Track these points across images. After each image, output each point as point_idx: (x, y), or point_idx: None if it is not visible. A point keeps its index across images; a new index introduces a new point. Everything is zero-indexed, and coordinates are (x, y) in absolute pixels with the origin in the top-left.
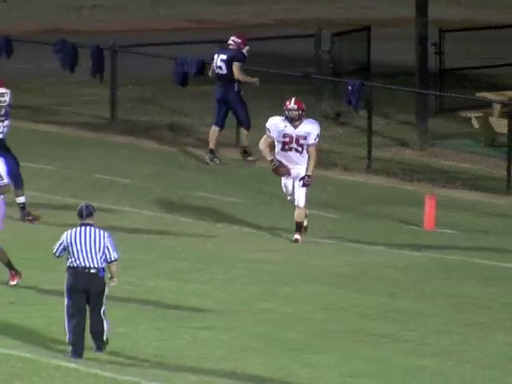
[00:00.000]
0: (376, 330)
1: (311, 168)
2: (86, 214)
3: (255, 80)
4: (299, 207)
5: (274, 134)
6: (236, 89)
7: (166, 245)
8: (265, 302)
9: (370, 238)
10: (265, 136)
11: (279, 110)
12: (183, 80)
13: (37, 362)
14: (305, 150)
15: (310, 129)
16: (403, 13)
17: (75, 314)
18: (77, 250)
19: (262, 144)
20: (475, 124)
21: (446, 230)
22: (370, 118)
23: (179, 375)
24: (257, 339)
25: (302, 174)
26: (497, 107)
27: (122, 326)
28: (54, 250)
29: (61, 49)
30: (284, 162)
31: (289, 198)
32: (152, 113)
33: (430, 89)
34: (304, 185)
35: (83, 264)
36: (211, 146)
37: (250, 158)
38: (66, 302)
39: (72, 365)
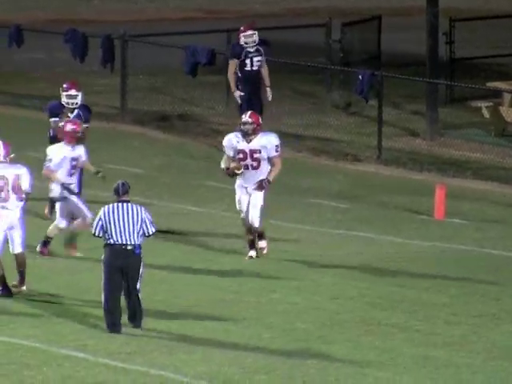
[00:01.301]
0: (386, 320)
1: (273, 175)
2: (122, 192)
3: (236, 94)
4: (253, 226)
5: (230, 152)
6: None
7: (176, 234)
8: (274, 293)
9: (380, 228)
10: (225, 156)
11: (288, 101)
12: (193, 69)
13: (46, 352)
14: (263, 166)
15: (265, 142)
16: (414, 2)
17: (112, 290)
18: (114, 227)
19: (223, 163)
20: (486, 114)
21: (456, 220)
22: (380, 107)
23: (189, 365)
24: (267, 330)
25: (259, 193)
26: (507, 97)
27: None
28: (92, 229)
29: (71, 38)
30: (243, 183)
31: (243, 215)
32: (163, 103)
33: (440, 78)
34: (260, 187)
35: (120, 241)
36: None
37: None
38: (103, 279)
39: (81, 354)
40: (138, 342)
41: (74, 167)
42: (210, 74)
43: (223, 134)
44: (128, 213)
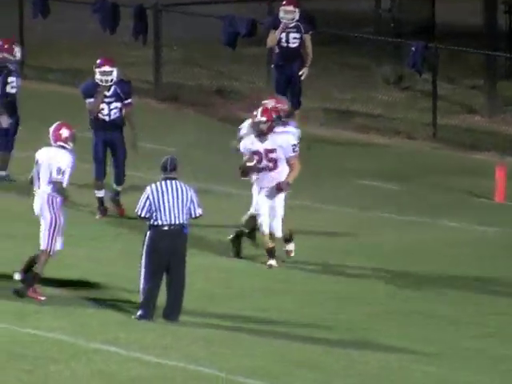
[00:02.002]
0: (435, 312)
1: (292, 176)
2: (170, 168)
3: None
4: (275, 236)
5: (247, 152)
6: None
7: (212, 217)
8: (317, 282)
9: (434, 212)
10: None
11: (335, 75)
12: (232, 41)
13: (74, 345)
14: (280, 166)
15: (281, 141)
16: None
17: (153, 276)
18: (162, 206)
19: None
20: None
21: None
22: (434, 82)
23: (227, 359)
24: (310, 321)
25: (279, 196)
26: None
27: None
28: (138, 211)
29: (100, 8)
30: (261, 186)
31: (262, 219)
32: (199, 77)
33: (499, 50)
34: (279, 188)
35: (167, 220)
36: None
37: None
38: (143, 262)
39: (112, 348)
40: (174, 334)
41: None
42: (250, 46)
43: None
44: (177, 191)
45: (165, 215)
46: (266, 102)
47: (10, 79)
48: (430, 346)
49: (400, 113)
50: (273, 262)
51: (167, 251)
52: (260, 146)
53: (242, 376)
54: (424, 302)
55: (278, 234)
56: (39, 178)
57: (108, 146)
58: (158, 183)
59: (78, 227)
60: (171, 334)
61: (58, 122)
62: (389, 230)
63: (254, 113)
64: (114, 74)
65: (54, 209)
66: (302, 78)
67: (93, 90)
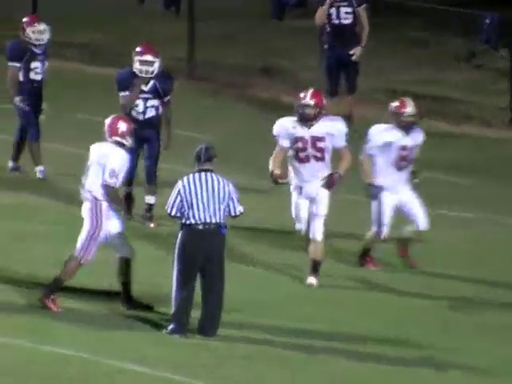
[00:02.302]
0: (507, 321)
1: (344, 167)
2: (204, 158)
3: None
4: (316, 240)
5: (284, 142)
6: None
7: (252, 215)
8: (376, 291)
9: (510, 210)
10: (277, 148)
11: (397, 52)
12: (280, 12)
13: (96, 364)
14: (327, 158)
15: (330, 127)
16: None
17: (185, 283)
18: (196, 203)
19: (273, 160)
20: None
21: None
22: None
23: (272, 380)
24: (367, 334)
25: (322, 192)
26: None
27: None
28: (168, 209)
29: None
30: (300, 180)
31: (299, 226)
32: (240, 54)
33: None
34: (330, 183)
35: (202, 219)
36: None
37: None
38: (175, 269)
39: (139, 368)
40: (210, 351)
41: None
42: (300, 19)
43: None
44: (213, 184)
45: (198, 213)
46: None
47: (34, 64)
48: (501, 361)
49: (472, 96)
50: (313, 280)
51: (202, 254)
52: (305, 133)
53: None
54: (493, 313)
55: (318, 236)
56: (87, 177)
57: (140, 145)
58: (191, 176)
59: None
60: (207, 351)
61: (114, 115)
62: (454, 230)
63: (301, 94)
64: (156, 65)
65: (97, 216)
66: (353, 58)
67: (129, 81)
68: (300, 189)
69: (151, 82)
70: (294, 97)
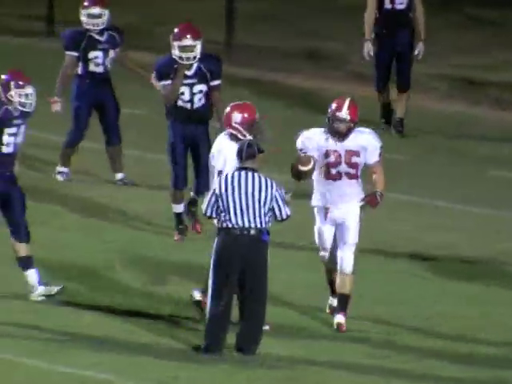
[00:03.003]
0: None
1: (382, 185)
2: (246, 156)
3: (365, 50)
4: (345, 273)
5: (312, 152)
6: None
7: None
8: (439, 304)
9: None
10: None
11: (459, 33)
12: None
13: None
14: (359, 177)
15: (365, 141)
16: None
17: (221, 295)
18: (233, 204)
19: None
20: None
21: None
22: None
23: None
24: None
25: (352, 216)
26: None
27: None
28: (204, 209)
29: None
30: (326, 202)
31: (323, 253)
32: (282, 35)
33: None
34: (372, 201)
35: (240, 223)
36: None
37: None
38: (211, 279)
39: None
40: (248, 374)
41: None
42: None
43: (369, 79)
44: (254, 185)
45: (235, 216)
46: None
47: (93, 54)
48: None
49: None
50: (342, 319)
51: (239, 263)
52: (339, 146)
53: None
54: None
55: (348, 268)
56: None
57: (188, 144)
58: (229, 175)
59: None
60: (245, 374)
61: (236, 102)
62: None
63: (335, 104)
64: (198, 48)
65: None
66: (419, 57)
67: (170, 69)
68: (325, 212)
69: (195, 65)
70: (343, 83)
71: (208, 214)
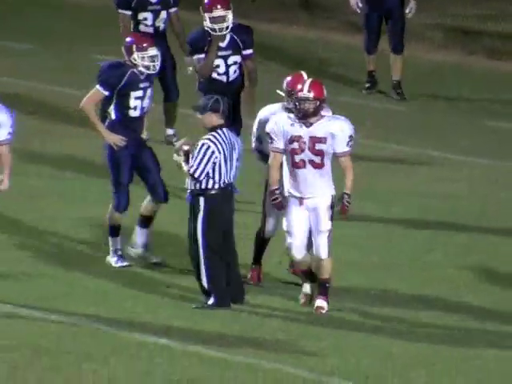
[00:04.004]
0: None
1: (350, 184)
2: (223, 110)
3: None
4: (321, 258)
5: (279, 143)
6: None
7: None
8: (435, 253)
9: None
10: (271, 154)
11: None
12: None
13: (114, 338)
14: (327, 165)
15: (335, 128)
16: None
17: (217, 256)
18: (225, 163)
19: (272, 171)
20: None
21: None
22: None
23: (316, 356)
24: (424, 308)
25: (323, 204)
26: None
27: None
28: (197, 173)
29: None
30: (294, 190)
31: (290, 241)
32: None
33: None
34: (343, 210)
35: (229, 180)
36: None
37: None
38: (200, 242)
39: (163, 340)
40: (244, 324)
41: None
42: None
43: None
44: (232, 142)
45: (227, 174)
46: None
47: (142, 15)
48: None
49: None
50: (323, 303)
51: (229, 219)
52: (304, 132)
53: (340, 377)
54: None
55: (323, 254)
56: None
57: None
58: (218, 134)
59: None
60: (241, 324)
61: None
62: None
63: (298, 85)
64: (230, 18)
65: None
66: (410, 15)
67: (203, 42)
68: (295, 199)
69: (228, 36)
70: (341, 33)
71: (202, 177)
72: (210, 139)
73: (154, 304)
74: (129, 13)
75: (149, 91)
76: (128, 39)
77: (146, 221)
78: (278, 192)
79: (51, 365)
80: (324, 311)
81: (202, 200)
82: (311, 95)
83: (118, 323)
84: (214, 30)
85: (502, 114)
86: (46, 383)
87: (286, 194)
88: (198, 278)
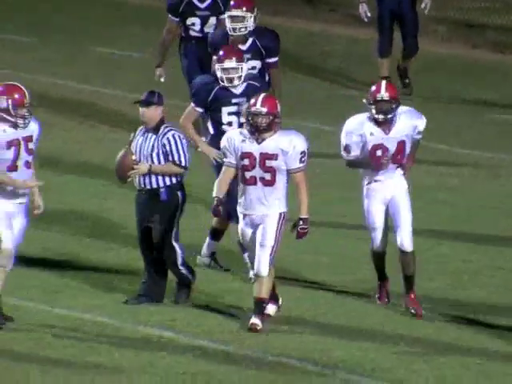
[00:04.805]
0: None
1: (305, 206)
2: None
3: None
4: (260, 275)
5: (231, 159)
6: None
7: None
8: (443, 247)
9: None
10: (224, 167)
11: None
12: None
13: (118, 330)
14: (279, 182)
15: (286, 144)
16: None
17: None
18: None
19: (219, 182)
20: None
21: None
22: None
23: (318, 348)
24: (432, 296)
25: (271, 219)
26: None
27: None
28: (186, 162)
29: None
30: (245, 209)
31: (246, 254)
32: None
33: None
34: (299, 235)
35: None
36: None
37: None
38: (176, 229)
39: (168, 333)
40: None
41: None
42: None
43: (368, 22)
44: None
45: None
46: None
47: (190, 20)
48: None
49: None
50: (258, 321)
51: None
52: (255, 149)
53: (344, 371)
54: None
55: (264, 270)
56: None
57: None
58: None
59: None
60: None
61: None
62: None
63: (252, 100)
64: (250, 20)
65: None
66: (426, 11)
67: (223, 43)
68: (245, 216)
69: (250, 40)
70: (344, 27)
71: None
72: (176, 130)
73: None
74: (176, 19)
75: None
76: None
77: (216, 233)
78: (217, 199)
79: (55, 357)
80: (259, 328)
81: (180, 193)
82: (264, 110)
83: (122, 315)
84: (230, 30)
85: (507, 107)
86: (50, 375)
87: (239, 209)
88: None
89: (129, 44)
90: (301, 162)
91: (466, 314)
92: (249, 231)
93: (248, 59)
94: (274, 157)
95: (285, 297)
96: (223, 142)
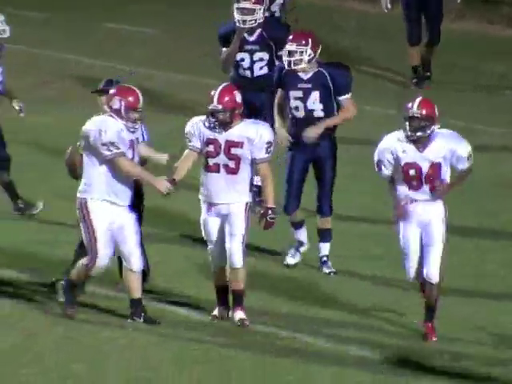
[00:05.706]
0: None
1: (271, 196)
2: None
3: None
4: (234, 267)
5: (196, 143)
6: None
7: None
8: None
9: None
10: (187, 150)
11: None
12: None
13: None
14: (242, 170)
15: (252, 133)
16: None
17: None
18: None
19: (182, 161)
20: None
21: None
22: None
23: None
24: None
25: (237, 207)
26: None
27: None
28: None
29: None
30: (209, 197)
31: (210, 247)
32: None
33: None
34: (268, 225)
35: None
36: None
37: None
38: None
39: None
40: (263, 295)
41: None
42: None
43: None
44: None
45: None
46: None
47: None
48: None
49: None
50: (242, 314)
51: None
52: (220, 135)
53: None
54: None
55: (237, 262)
56: None
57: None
58: None
59: None
60: (258, 295)
61: None
62: None
63: (211, 92)
64: (259, 12)
65: None
66: (459, 0)
67: (231, 35)
68: (209, 205)
69: (257, 31)
70: (359, 4)
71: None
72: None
73: (172, 274)
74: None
75: (313, 93)
76: None
77: (297, 223)
78: (172, 180)
79: (69, 333)
80: (248, 322)
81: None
82: (220, 107)
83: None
84: (239, 21)
85: None
86: (64, 350)
87: (202, 200)
88: None
89: (141, 20)
90: (267, 152)
91: (479, 305)
92: (213, 220)
93: (256, 51)
94: (239, 145)
95: (298, 273)
96: (187, 128)
